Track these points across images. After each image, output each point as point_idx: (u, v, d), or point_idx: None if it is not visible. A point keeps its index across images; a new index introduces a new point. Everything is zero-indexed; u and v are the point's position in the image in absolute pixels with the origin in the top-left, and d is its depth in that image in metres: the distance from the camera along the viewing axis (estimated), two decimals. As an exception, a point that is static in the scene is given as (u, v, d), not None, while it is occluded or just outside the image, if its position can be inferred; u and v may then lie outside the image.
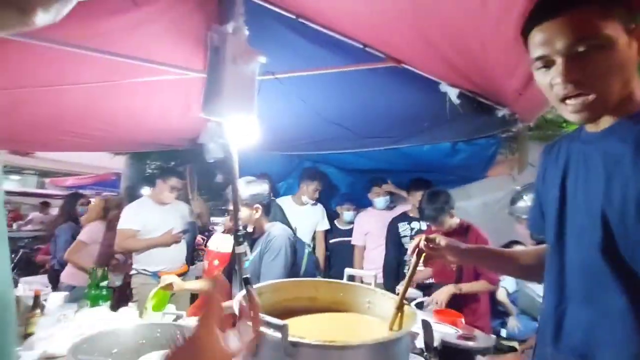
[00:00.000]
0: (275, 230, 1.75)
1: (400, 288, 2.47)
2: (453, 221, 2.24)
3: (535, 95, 1.47)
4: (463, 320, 1.84)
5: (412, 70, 1.83)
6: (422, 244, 1.00)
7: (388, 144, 2.35)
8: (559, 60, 0.67)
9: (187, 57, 1.72)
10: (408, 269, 1.04)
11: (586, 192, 0.73)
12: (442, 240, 0.99)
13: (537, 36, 0.69)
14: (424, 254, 1.02)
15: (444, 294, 2.10)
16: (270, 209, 1.79)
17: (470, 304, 2.14)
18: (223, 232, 2.51)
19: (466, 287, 2.12)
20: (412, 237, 2.69)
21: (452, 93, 1.98)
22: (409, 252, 1.04)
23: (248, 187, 1.76)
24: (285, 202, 3.16)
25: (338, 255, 3.11)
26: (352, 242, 3.07)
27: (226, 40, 1.05)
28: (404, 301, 0.99)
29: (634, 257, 0.65)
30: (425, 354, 1.42)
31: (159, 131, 2.48)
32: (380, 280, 2.84)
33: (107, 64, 1.67)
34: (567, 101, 0.68)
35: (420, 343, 1.48)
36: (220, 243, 2.35)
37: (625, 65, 0.66)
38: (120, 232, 2.67)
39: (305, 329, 1.08)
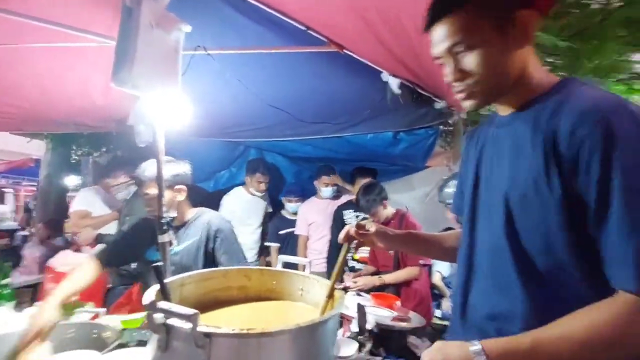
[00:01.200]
0: (211, 216, 1.61)
1: (347, 278, 2.51)
2: (387, 212, 2.33)
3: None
4: (399, 303, 1.91)
5: (355, 57, 1.83)
6: (352, 231, 1.00)
7: (333, 131, 2.34)
8: (446, 60, 0.75)
9: (109, 23, 1.52)
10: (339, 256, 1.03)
11: (495, 174, 0.77)
12: (371, 227, 1.00)
13: (431, 37, 0.76)
14: (354, 241, 1.02)
15: (366, 286, 2.20)
16: (192, 193, 1.66)
17: (405, 289, 2.24)
18: (72, 248, 2.25)
19: (389, 277, 2.23)
20: None
21: (393, 83, 2.02)
22: (339, 238, 1.03)
23: (166, 167, 1.53)
24: (238, 192, 3.06)
25: (289, 246, 3.05)
26: (296, 232, 3.03)
27: (141, 2, 0.93)
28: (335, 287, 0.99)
29: (528, 237, 0.69)
30: (360, 337, 1.44)
31: (79, 109, 2.20)
32: (324, 268, 2.86)
33: (7, 27, 1.42)
34: (458, 94, 0.76)
35: (355, 327, 1.50)
36: (70, 263, 2.05)
37: (502, 58, 0.71)
38: (74, 213, 2.66)
39: (231, 320, 1.03)
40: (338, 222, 2.82)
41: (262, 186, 2.99)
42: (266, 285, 1.19)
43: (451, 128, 2.47)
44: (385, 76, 2.00)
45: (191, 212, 1.62)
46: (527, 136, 0.69)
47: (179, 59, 1.05)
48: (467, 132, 0.96)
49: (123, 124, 2.31)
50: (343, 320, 1.79)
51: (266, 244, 3.12)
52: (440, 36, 0.73)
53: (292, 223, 3.03)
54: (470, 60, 0.71)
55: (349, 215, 2.85)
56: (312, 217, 2.98)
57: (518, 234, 0.70)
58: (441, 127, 2.42)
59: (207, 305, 1.10)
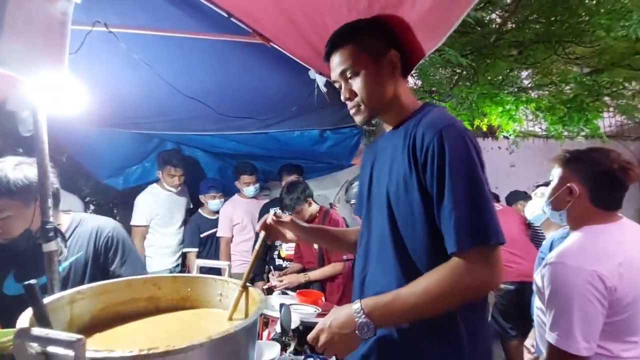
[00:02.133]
0: (98, 222, 1.32)
1: (272, 278, 2.48)
2: (312, 209, 2.35)
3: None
4: (324, 298, 1.94)
5: (283, 52, 1.78)
6: (269, 219, 1.06)
7: (258, 127, 2.26)
8: (341, 84, 0.96)
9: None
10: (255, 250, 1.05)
11: (381, 176, 0.96)
12: (287, 217, 1.09)
13: (330, 65, 0.97)
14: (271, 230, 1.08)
15: (291, 284, 2.23)
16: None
17: (329, 284, 2.30)
18: None
19: (314, 274, 2.27)
20: None
21: (320, 81, 2.02)
22: (256, 227, 1.10)
23: (18, 171, 1.15)
24: (153, 190, 2.73)
25: (212, 249, 2.80)
26: (218, 234, 2.81)
27: (10, -42, 0.75)
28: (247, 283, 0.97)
29: (402, 225, 0.88)
30: (284, 338, 1.42)
31: None
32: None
33: None
34: (350, 110, 0.97)
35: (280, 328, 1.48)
36: None
37: (377, 84, 0.93)
38: None
39: (135, 337, 0.91)
40: None
41: (175, 180, 2.68)
42: (180, 293, 1.08)
43: (373, 128, 2.59)
44: (313, 74, 2.00)
45: (64, 221, 1.28)
46: (400, 146, 0.90)
47: (66, 34, 0.89)
48: (368, 144, 1.11)
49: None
50: (268, 321, 1.76)
51: (183, 250, 2.81)
52: (336, 63, 0.95)
53: (214, 223, 2.82)
54: (356, 83, 0.93)
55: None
56: (237, 217, 2.82)
57: (396, 223, 0.89)
58: (365, 126, 2.53)
59: (107, 322, 0.96)
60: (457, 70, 2.91)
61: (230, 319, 0.96)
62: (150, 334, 0.93)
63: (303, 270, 2.44)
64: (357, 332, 0.81)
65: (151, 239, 2.68)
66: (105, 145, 2.50)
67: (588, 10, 2.25)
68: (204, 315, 1.03)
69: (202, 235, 2.78)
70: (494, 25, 2.23)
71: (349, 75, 0.93)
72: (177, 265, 2.80)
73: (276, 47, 1.74)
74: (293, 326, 1.41)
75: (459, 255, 0.78)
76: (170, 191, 2.74)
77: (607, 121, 5.22)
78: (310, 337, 0.87)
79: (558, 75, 2.69)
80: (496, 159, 5.52)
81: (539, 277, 1.15)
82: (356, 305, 0.82)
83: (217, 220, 2.83)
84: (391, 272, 0.89)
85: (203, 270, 1.21)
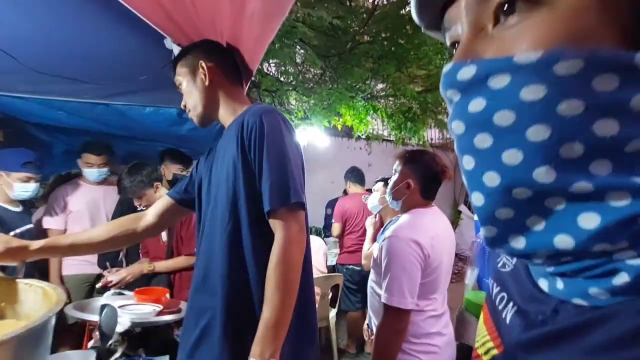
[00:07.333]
0: None
1: (107, 274, 2.10)
2: (158, 195, 2.09)
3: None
4: (168, 295, 1.77)
5: (133, 11, 1.51)
6: None
7: (95, 96, 1.86)
8: None
9: None
10: None
11: (219, 168, 1.08)
12: None
13: None
14: None
15: (133, 275, 1.98)
16: None
17: (179, 277, 2.10)
18: None
19: (161, 265, 2.04)
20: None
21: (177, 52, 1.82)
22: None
23: None
24: None
25: None
26: (46, 225, 2.31)
27: None
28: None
29: (232, 207, 1.01)
30: (110, 343, 1.22)
31: None
32: (89, 269, 2.33)
33: None
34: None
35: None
36: None
37: (198, 94, 1.13)
38: None
39: None
40: (124, 208, 2.29)
41: None
42: None
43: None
44: (169, 43, 1.77)
45: None
46: (233, 136, 1.04)
47: None
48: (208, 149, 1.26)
49: None
50: (94, 327, 1.49)
51: None
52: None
53: (21, 218, 2.14)
54: (184, 96, 1.16)
55: None
56: (74, 203, 2.34)
57: (237, 204, 1.00)
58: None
59: None
60: (323, 70, 3.11)
61: None
62: None
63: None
64: None
65: None
66: None
67: (421, 40, 2.76)
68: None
69: (14, 233, 2.00)
70: (350, 35, 2.48)
71: (180, 88, 1.15)
72: None
73: (124, 3, 1.46)
74: (121, 329, 1.22)
75: (271, 213, 0.94)
76: None
77: (437, 134, 6.62)
78: None
79: (402, 90, 3.22)
80: (356, 158, 6.24)
81: (377, 250, 1.38)
82: None
83: (23, 213, 2.16)
84: (219, 262, 0.99)
85: None
